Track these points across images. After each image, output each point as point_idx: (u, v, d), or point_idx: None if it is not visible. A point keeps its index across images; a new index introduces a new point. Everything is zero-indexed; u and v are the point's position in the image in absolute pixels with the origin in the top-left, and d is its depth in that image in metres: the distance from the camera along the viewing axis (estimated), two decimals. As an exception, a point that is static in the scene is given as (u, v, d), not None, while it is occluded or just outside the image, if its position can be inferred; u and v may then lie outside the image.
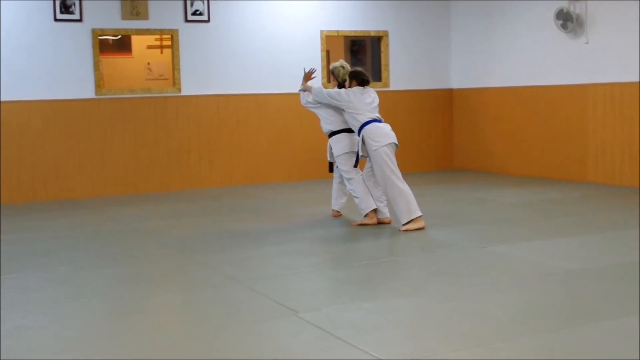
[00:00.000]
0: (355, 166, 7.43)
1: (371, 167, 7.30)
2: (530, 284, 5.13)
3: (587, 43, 9.98)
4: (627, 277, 5.18)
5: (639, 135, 9.41)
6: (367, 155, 7.23)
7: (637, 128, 9.42)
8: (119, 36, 11.77)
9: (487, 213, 8.00)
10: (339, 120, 7.48)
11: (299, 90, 7.74)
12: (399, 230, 6.97)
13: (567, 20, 10.04)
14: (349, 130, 7.47)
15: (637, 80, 9.37)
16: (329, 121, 7.53)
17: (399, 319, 4.39)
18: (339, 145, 7.49)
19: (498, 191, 9.55)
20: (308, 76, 7.64)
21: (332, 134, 7.55)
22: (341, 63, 7.71)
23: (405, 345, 3.91)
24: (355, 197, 7.42)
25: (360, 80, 7.36)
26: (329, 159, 7.77)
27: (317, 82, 11.34)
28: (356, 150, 7.36)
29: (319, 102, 7.50)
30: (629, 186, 9.51)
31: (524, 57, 11.01)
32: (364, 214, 7.36)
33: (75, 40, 9.91)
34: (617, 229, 6.90)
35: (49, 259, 6.25)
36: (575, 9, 10.00)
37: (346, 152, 7.47)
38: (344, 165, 7.49)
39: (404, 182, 7.09)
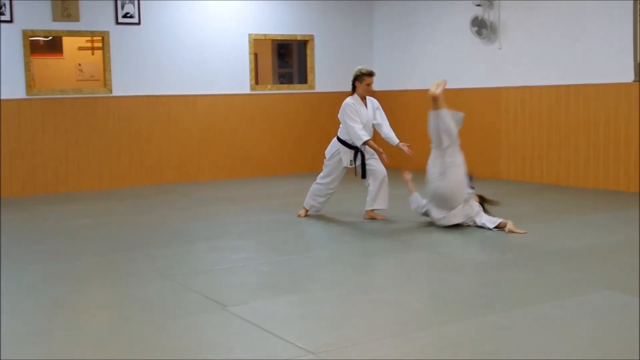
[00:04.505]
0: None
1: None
2: (445, 275, 5.37)
3: (500, 49, 10.48)
4: (537, 267, 5.50)
5: (546, 135, 9.96)
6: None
7: (545, 128, 9.96)
8: (50, 37, 11.75)
9: (407, 209, 8.19)
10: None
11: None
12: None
13: (481, 27, 10.52)
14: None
15: (545, 84, 9.90)
16: None
17: (322, 310, 4.57)
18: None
19: (417, 188, 9.86)
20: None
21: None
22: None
23: (328, 335, 4.06)
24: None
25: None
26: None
27: (245, 84, 11.63)
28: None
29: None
30: (539, 183, 10.01)
31: (442, 61, 11.42)
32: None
33: (6, 41, 9.88)
34: (529, 222, 7.18)
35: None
36: (490, 16, 10.51)
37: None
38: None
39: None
